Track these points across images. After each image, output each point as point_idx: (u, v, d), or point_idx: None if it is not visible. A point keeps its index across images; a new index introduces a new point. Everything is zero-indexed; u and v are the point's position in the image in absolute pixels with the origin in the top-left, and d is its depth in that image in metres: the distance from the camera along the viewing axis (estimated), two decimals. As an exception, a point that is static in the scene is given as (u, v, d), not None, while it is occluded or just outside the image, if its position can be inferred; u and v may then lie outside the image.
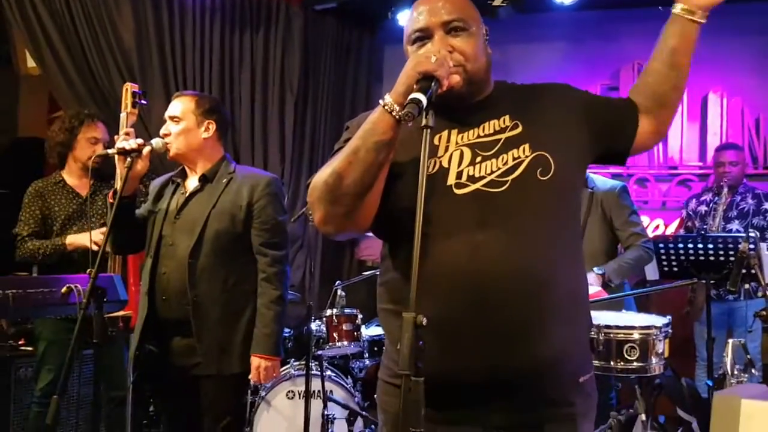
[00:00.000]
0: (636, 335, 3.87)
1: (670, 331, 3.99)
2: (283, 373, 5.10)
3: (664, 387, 4.85)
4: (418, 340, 1.69)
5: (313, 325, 5.10)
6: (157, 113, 5.33)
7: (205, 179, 3.71)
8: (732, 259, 4.37)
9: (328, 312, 5.30)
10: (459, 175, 2.10)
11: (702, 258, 4.66)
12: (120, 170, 3.49)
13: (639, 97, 2.30)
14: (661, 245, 4.87)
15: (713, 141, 7.09)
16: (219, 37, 6.73)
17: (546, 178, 2.08)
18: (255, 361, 3.62)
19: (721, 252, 4.59)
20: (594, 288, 4.46)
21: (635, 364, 3.86)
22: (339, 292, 5.53)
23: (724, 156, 6.10)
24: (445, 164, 2.12)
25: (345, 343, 5.26)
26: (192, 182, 3.74)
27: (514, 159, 2.11)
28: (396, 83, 1.97)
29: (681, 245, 4.74)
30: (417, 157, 1.83)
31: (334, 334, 5.25)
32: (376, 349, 5.46)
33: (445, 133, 2.17)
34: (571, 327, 2.13)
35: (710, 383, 4.57)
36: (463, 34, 2.15)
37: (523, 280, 2.01)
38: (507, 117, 2.19)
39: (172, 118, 3.69)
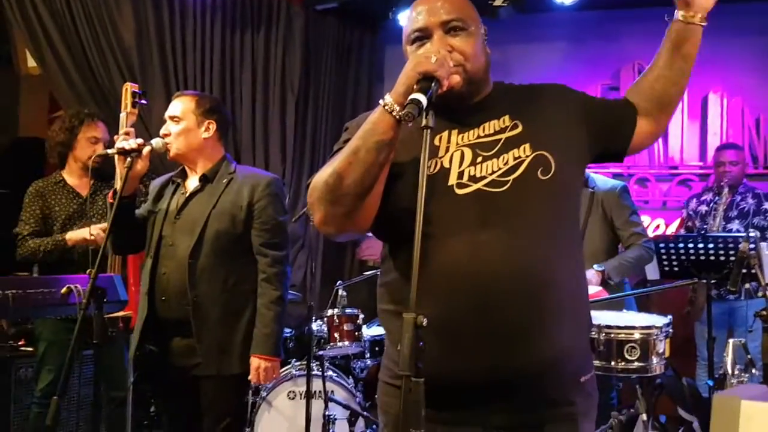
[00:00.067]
0: (637, 335, 3.87)
1: (670, 330, 3.99)
2: (284, 373, 5.10)
3: (665, 387, 4.84)
4: (419, 340, 1.69)
5: (315, 325, 5.10)
6: (157, 113, 5.32)
7: (205, 179, 3.70)
8: (732, 258, 4.37)
9: (330, 312, 5.29)
10: (460, 175, 2.10)
11: (702, 258, 4.66)
12: (120, 170, 3.49)
13: (638, 98, 2.31)
14: (662, 245, 4.87)
15: (713, 141, 7.09)
16: (220, 37, 6.73)
17: (547, 178, 2.09)
18: (255, 361, 3.61)
19: (722, 252, 4.59)
20: (594, 288, 4.46)
21: (636, 364, 3.85)
22: (340, 292, 5.52)
23: (724, 155, 6.10)
24: (446, 164, 2.12)
25: (346, 343, 5.25)
26: (192, 182, 3.74)
27: (514, 159, 2.11)
28: (396, 83, 1.97)
29: (681, 245, 4.74)
30: (417, 158, 1.83)
31: (336, 334, 5.24)
32: (377, 349, 5.45)
33: (445, 134, 2.17)
34: (572, 326, 2.13)
35: (711, 383, 4.57)
36: (463, 34, 2.15)
37: (525, 280, 2.01)
38: (506, 117, 2.19)
39: (172, 118, 3.69)
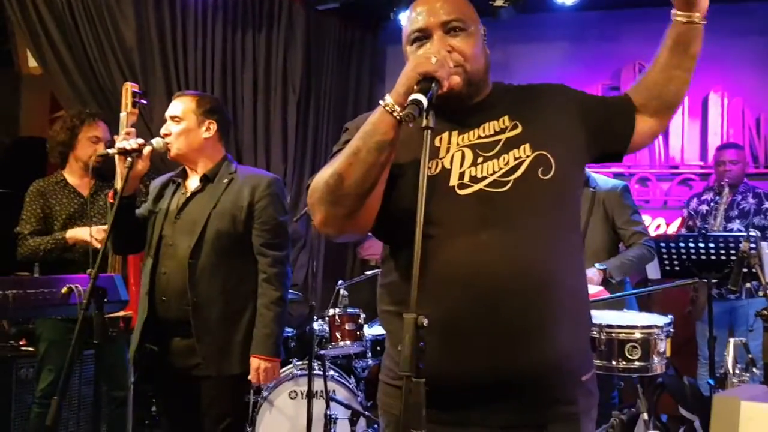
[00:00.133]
0: (638, 334, 3.87)
1: (671, 330, 3.99)
2: (285, 373, 5.10)
3: (666, 386, 4.86)
4: (420, 341, 1.69)
5: (316, 325, 5.09)
6: (158, 113, 5.32)
7: (206, 179, 3.70)
8: (733, 258, 4.38)
9: (331, 311, 5.28)
10: (461, 176, 2.10)
11: (703, 257, 4.67)
12: (120, 170, 3.48)
13: (640, 97, 2.30)
14: (663, 245, 4.88)
15: (714, 140, 7.10)
16: (221, 37, 6.73)
17: (547, 178, 2.09)
18: (254, 362, 3.60)
19: (723, 251, 4.61)
20: (595, 288, 4.46)
21: (637, 363, 3.86)
22: (341, 291, 5.53)
23: (724, 155, 6.10)
24: (447, 165, 2.12)
25: (348, 342, 5.25)
26: (193, 182, 3.73)
27: (515, 159, 2.11)
28: (396, 84, 1.97)
29: (682, 244, 4.75)
30: (418, 159, 1.82)
31: (337, 334, 5.23)
32: (378, 348, 5.46)
33: (445, 135, 2.17)
34: (573, 326, 2.13)
35: (712, 382, 4.57)
36: (462, 34, 2.15)
37: (526, 280, 2.01)
38: (506, 117, 2.19)
39: (172, 117, 3.68)
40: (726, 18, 6.27)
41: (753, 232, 4.42)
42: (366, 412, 5.10)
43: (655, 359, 3.88)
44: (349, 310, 5.34)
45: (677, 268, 4.83)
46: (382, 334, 5.34)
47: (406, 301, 1.72)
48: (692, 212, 6.26)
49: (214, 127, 3.72)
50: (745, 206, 5.98)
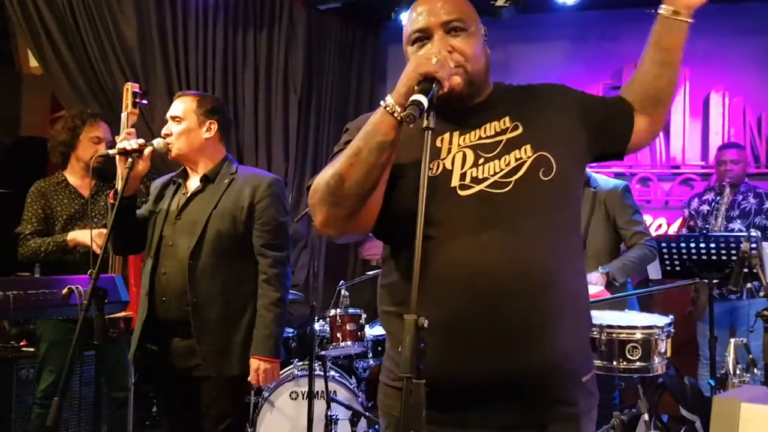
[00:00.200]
0: (638, 335, 3.87)
1: (672, 330, 3.99)
2: (286, 373, 5.10)
3: (667, 386, 4.85)
4: (420, 342, 1.69)
5: (317, 325, 5.09)
6: (160, 113, 5.31)
7: (206, 179, 3.69)
8: (734, 258, 4.37)
9: (332, 312, 5.28)
10: (463, 176, 2.10)
11: (704, 257, 4.67)
12: (121, 170, 3.48)
13: (632, 97, 2.32)
14: (664, 245, 4.88)
15: (715, 140, 7.10)
16: (222, 37, 6.73)
17: (548, 178, 2.09)
18: (254, 363, 3.59)
19: (723, 251, 4.61)
20: (596, 288, 4.46)
21: (638, 363, 3.86)
22: (343, 291, 5.52)
23: (725, 154, 6.10)
24: (448, 166, 2.12)
25: (349, 343, 5.24)
26: (193, 182, 3.73)
27: (516, 160, 2.11)
28: (397, 84, 1.97)
29: (683, 245, 4.75)
30: (419, 159, 1.83)
31: (338, 334, 5.23)
32: (380, 349, 5.45)
33: (446, 135, 2.17)
34: (573, 326, 2.13)
35: (713, 382, 4.57)
36: (463, 34, 2.15)
37: (527, 280, 2.01)
38: (507, 118, 2.19)
39: (173, 118, 3.68)
40: (727, 18, 6.28)
41: (754, 232, 4.40)
42: (367, 413, 5.09)
43: (656, 359, 3.88)
44: (351, 310, 5.33)
45: (678, 269, 4.84)
46: (383, 335, 5.30)
47: (407, 302, 1.72)
48: (693, 212, 6.26)
49: (215, 127, 3.72)
50: (746, 206, 5.98)
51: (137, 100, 3.78)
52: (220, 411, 3.58)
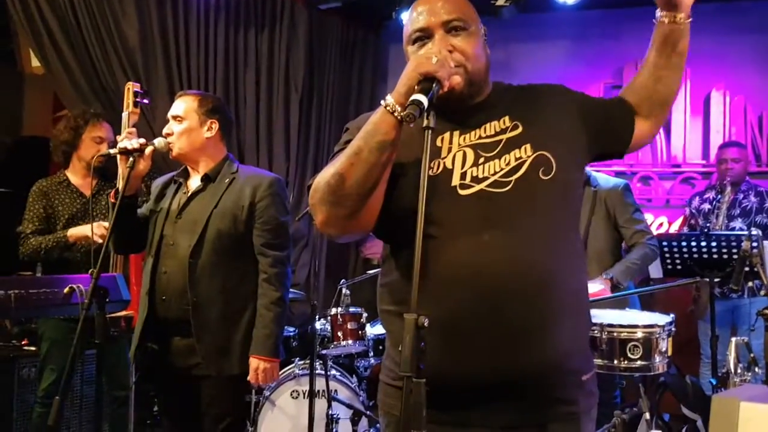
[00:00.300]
0: (639, 334, 3.86)
1: (673, 329, 3.98)
2: (287, 372, 5.11)
3: (668, 385, 4.85)
4: (420, 341, 1.69)
5: (318, 324, 5.10)
6: (161, 112, 5.32)
7: (207, 179, 3.69)
8: (735, 257, 4.37)
9: (333, 311, 5.28)
10: (463, 176, 2.10)
11: (705, 256, 4.67)
12: (122, 170, 3.48)
13: (634, 98, 2.31)
14: (665, 243, 4.87)
15: (716, 139, 7.10)
16: (224, 36, 6.74)
17: (548, 178, 2.09)
18: (254, 362, 3.59)
19: (725, 250, 4.60)
20: (596, 286, 4.46)
21: (639, 362, 3.85)
22: (344, 290, 5.53)
23: (726, 153, 6.11)
24: (448, 165, 2.12)
25: (350, 342, 5.25)
26: (194, 182, 3.73)
27: (516, 159, 2.11)
28: (397, 84, 1.97)
29: (684, 243, 4.75)
30: (419, 159, 1.83)
31: (339, 333, 5.23)
32: (381, 347, 5.45)
33: (447, 135, 2.17)
34: (574, 326, 2.13)
35: (714, 381, 4.57)
36: (463, 34, 2.15)
37: (527, 280, 2.01)
38: (507, 118, 2.19)
39: (174, 117, 3.68)
40: (728, 16, 6.29)
41: (755, 231, 4.40)
42: (368, 412, 5.09)
43: (657, 358, 3.87)
44: (352, 309, 5.34)
45: (679, 267, 4.83)
46: (384, 334, 5.34)
47: (407, 301, 1.72)
48: (694, 211, 6.26)
49: (216, 126, 3.72)
50: (747, 205, 5.99)
51: (138, 100, 3.79)
52: (220, 410, 3.58)
